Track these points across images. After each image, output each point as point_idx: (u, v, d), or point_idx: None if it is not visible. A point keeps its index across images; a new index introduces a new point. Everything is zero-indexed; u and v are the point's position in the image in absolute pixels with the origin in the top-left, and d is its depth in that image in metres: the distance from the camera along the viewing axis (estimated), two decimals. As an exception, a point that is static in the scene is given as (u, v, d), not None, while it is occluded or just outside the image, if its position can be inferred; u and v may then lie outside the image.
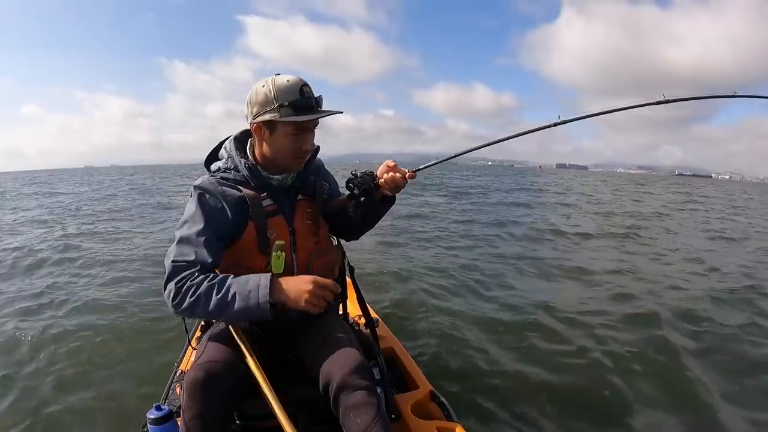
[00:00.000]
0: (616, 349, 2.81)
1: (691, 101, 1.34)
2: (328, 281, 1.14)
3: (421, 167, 1.35)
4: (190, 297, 1.08)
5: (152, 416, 1.12)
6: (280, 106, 1.14)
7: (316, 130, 1.25)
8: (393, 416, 1.31)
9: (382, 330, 1.90)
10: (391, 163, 1.28)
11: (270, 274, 1.13)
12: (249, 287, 1.08)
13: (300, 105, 1.15)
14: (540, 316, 3.32)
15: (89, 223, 8.10)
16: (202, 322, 1.52)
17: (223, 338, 1.18)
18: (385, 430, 1.05)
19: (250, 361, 1.10)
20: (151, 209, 10.56)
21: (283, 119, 1.15)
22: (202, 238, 1.15)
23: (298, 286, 1.10)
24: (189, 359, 1.64)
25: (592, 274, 4.66)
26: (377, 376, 1.32)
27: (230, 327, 1.16)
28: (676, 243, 6.82)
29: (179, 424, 1.11)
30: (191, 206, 1.20)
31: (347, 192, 1.31)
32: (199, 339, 1.40)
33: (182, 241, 1.15)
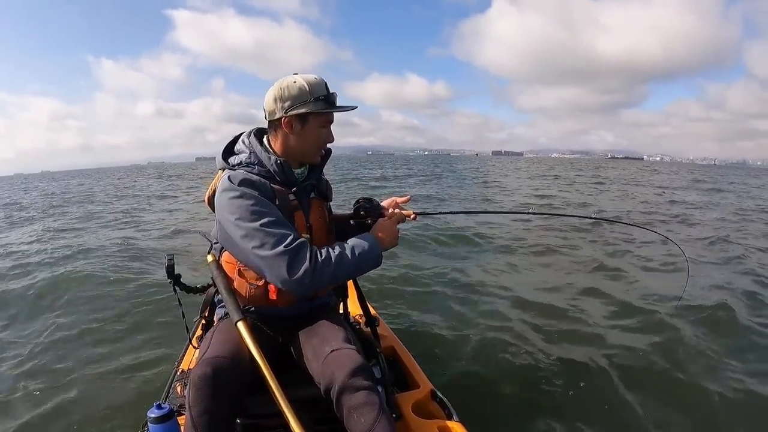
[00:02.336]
0: (615, 347, 2.80)
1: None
2: (399, 215, 1.38)
3: (424, 212, 1.54)
4: (328, 268, 1.15)
5: (153, 415, 1.11)
6: (316, 99, 1.23)
7: None
8: (394, 415, 1.31)
9: (383, 329, 1.90)
10: (400, 200, 1.43)
11: (371, 234, 1.29)
12: (365, 248, 1.22)
13: (330, 99, 1.26)
14: (539, 314, 3.32)
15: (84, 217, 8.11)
16: (203, 321, 1.52)
17: (228, 335, 1.18)
18: (388, 426, 1.06)
19: (258, 358, 1.10)
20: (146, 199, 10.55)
21: (318, 111, 1.24)
22: (282, 216, 1.20)
23: (388, 231, 1.30)
24: (190, 358, 1.64)
25: (586, 267, 4.65)
26: (378, 375, 1.32)
27: (238, 324, 1.16)
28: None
29: (180, 423, 1.11)
30: (244, 200, 1.18)
31: (352, 211, 1.46)
32: (200, 338, 1.41)
33: (269, 225, 1.15)
